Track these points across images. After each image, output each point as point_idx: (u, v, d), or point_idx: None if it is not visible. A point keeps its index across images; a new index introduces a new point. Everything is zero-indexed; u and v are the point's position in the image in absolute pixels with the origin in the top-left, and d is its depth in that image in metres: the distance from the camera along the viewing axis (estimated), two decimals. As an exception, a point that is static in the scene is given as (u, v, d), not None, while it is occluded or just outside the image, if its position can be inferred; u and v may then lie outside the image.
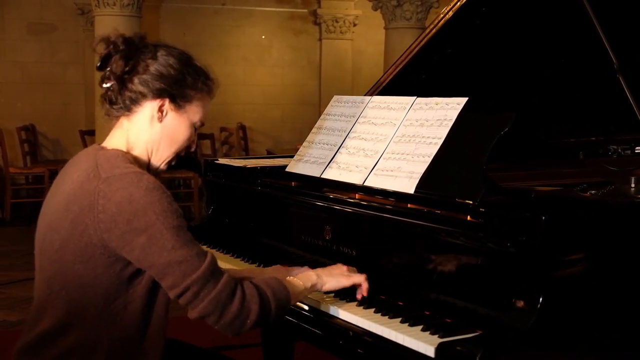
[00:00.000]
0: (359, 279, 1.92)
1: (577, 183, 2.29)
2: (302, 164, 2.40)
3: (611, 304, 1.72)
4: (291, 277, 1.89)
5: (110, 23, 7.66)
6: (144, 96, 1.78)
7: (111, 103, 1.80)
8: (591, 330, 1.69)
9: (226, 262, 2.43)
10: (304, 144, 2.47)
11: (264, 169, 2.64)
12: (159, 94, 1.78)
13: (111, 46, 1.78)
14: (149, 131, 1.81)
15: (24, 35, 9.30)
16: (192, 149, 1.90)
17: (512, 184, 2.22)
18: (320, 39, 10.79)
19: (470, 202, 1.80)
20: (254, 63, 10.47)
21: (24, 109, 9.24)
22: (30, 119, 9.17)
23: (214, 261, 1.70)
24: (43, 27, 9.39)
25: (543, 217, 1.63)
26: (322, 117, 2.49)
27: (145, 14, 8.51)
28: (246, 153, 9.67)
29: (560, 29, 2.79)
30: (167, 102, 1.80)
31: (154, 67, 1.78)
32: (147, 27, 9.02)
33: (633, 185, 2.16)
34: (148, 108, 1.79)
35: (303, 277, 1.90)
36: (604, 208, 1.85)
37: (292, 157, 2.50)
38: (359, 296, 1.93)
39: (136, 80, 1.77)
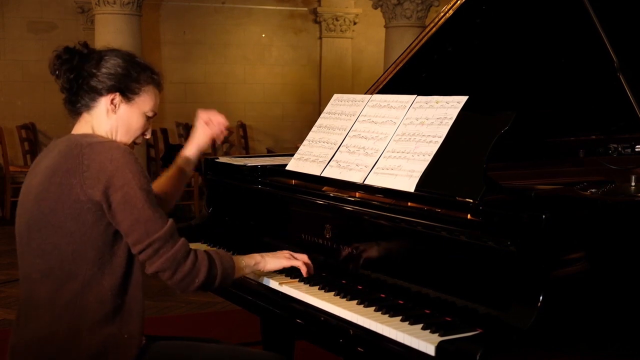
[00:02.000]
0: (298, 262, 2.16)
1: (577, 182, 2.29)
2: (303, 163, 2.40)
3: (611, 303, 1.72)
4: (237, 255, 2.12)
5: (111, 21, 7.68)
6: (98, 94, 2.03)
7: (72, 104, 2.06)
8: (591, 330, 1.69)
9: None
10: (304, 142, 2.47)
11: (264, 167, 2.64)
12: (109, 90, 2.03)
13: (57, 59, 2.05)
14: (107, 122, 2.05)
15: (24, 33, 9.30)
16: (147, 136, 2.15)
17: (512, 182, 2.22)
18: (320, 38, 10.78)
19: (471, 200, 1.79)
20: (254, 62, 10.46)
21: (24, 108, 9.24)
22: (31, 117, 9.18)
23: (173, 225, 1.94)
24: (43, 26, 9.39)
25: (543, 216, 1.63)
26: (322, 115, 2.49)
27: (146, 13, 8.50)
28: (246, 152, 9.67)
29: (561, 28, 2.79)
30: (117, 95, 2.04)
31: (103, 69, 2.03)
32: (147, 26, 9.02)
33: (633, 183, 2.16)
34: (103, 103, 2.04)
35: (248, 257, 2.14)
36: (604, 207, 1.85)
37: (292, 155, 2.49)
38: (304, 274, 2.16)
39: (90, 82, 2.02)
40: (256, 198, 2.63)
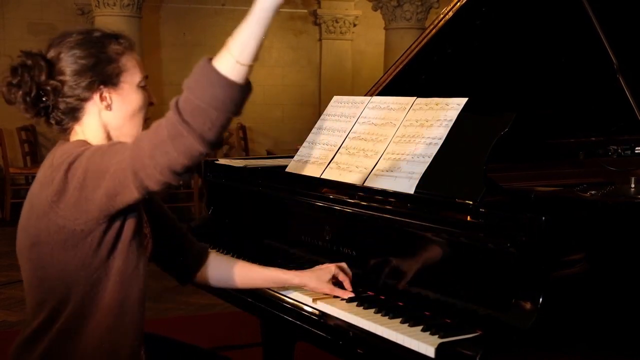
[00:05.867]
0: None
1: (577, 183, 2.29)
2: (302, 165, 2.40)
3: (611, 304, 1.72)
4: None
5: (111, 23, 7.69)
6: (80, 100, 1.71)
7: (58, 123, 1.75)
8: (591, 330, 1.69)
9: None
10: (304, 144, 2.47)
11: (264, 169, 2.64)
12: (90, 89, 1.70)
13: (10, 88, 1.70)
14: (104, 123, 1.74)
15: (25, 35, 9.30)
16: (154, 102, 1.82)
17: (512, 184, 2.22)
18: (320, 40, 10.79)
19: (471, 202, 1.79)
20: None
21: (24, 109, 9.24)
22: (30, 119, 9.17)
23: (139, 133, 1.62)
24: (43, 27, 9.39)
25: (543, 218, 1.63)
26: (322, 117, 2.49)
27: (145, 15, 8.52)
28: (246, 153, 9.67)
29: (560, 29, 2.79)
30: (103, 89, 1.72)
31: (66, 70, 1.69)
32: (147, 28, 9.03)
33: (633, 185, 2.16)
34: (91, 106, 1.73)
35: None
36: (604, 208, 1.85)
37: (292, 157, 2.49)
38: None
39: (62, 92, 1.70)
40: (256, 200, 2.63)
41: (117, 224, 1.68)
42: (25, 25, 9.33)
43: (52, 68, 1.69)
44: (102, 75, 1.70)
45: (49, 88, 1.68)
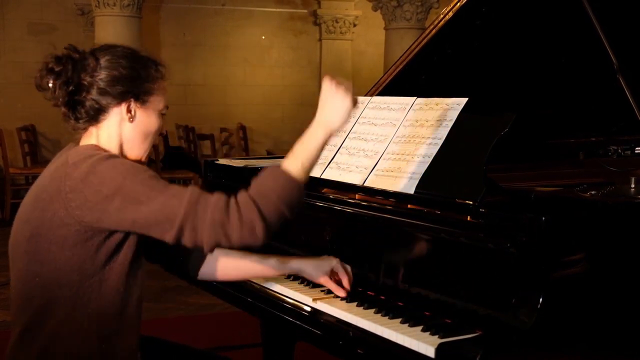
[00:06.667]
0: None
1: (577, 183, 2.29)
2: (302, 165, 2.39)
3: (611, 304, 1.72)
4: (288, 159, 1.74)
5: (111, 24, 7.70)
6: (108, 104, 1.79)
7: (76, 119, 1.82)
8: (591, 330, 1.69)
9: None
10: (304, 144, 2.46)
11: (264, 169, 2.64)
12: (121, 97, 1.80)
13: (50, 73, 1.78)
14: (120, 133, 1.82)
15: (25, 35, 9.30)
16: (164, 134, 1.91)
17: (512, 184, 2.22)
18: (320, 40, 10.79)
19: (471, 202, 1.80)
20: (254, 63, 10.47)
21: (24, 110, 9.24)
22: (31, 119, 9.18)
23: (195, 191, 1.67)
24: (43, 28, 9.40)
25: (543, 218, 1.63)
26: (322, 117, 2.48)
27: (146, 15, 8.52)
28: (246, 153, 9.68)
29: (561, 29, 2.79)
30: (132, 102, 1.81)
31: (104, 74, 1.78)
32: (147, 28, 9.03)
33: (633, 185, 2.16)
34: (115, 113, 1.81)
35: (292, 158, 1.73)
36: (604, 208, 1.85)
37: (292, 157, 2.49)
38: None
39: (94, 92, 1.78)
40: (256, 200, 2.63)
41: (119, 235, 1.74)
42: (25, 25, 9.33)
43: (97, 67, 1.78)
44: (136, 88, 1.81)
45: (85, 83, 1.77)
